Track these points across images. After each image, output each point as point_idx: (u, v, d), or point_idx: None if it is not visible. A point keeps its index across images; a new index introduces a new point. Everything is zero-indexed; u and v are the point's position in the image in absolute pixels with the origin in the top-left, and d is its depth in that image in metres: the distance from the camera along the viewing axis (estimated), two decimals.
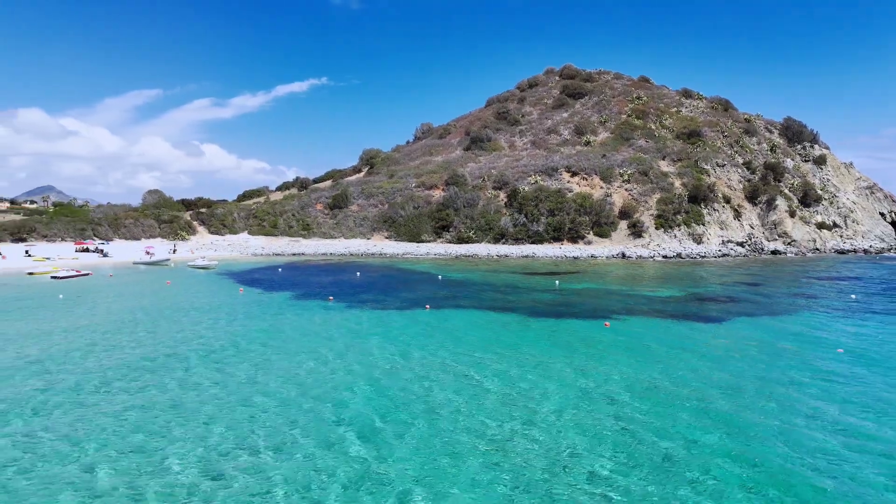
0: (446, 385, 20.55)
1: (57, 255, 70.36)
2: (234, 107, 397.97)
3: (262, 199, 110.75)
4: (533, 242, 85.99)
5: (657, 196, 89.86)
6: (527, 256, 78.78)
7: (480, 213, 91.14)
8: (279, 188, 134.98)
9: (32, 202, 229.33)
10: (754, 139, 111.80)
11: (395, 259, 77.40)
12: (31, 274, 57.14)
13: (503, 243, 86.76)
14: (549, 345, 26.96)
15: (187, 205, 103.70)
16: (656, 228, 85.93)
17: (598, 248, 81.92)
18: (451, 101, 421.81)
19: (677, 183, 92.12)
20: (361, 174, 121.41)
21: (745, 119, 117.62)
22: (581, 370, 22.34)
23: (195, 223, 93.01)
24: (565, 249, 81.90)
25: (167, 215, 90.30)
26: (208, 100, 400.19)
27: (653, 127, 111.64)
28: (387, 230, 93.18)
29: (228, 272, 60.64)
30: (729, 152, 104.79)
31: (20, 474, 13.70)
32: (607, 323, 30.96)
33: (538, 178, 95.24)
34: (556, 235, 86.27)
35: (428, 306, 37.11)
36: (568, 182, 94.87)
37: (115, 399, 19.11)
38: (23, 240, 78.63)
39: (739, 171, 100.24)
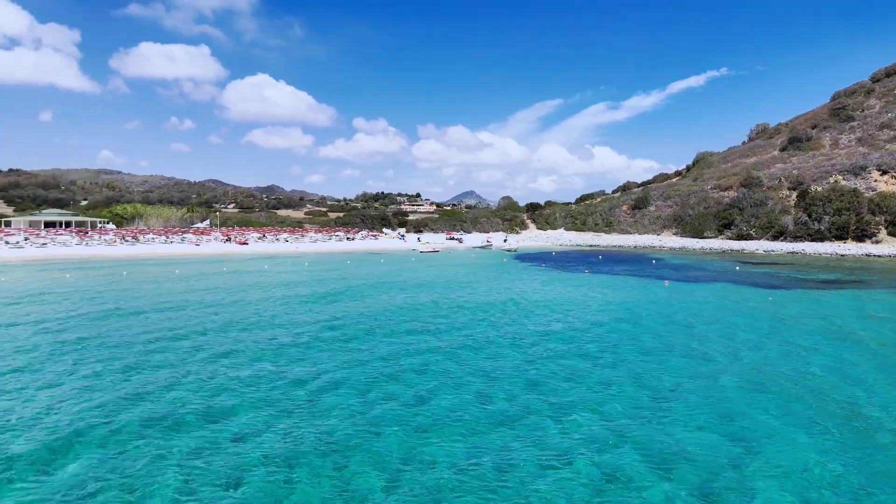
0: (555, 292, 42.26)
1: (434, 241, 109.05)
2: (627, 108, 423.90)
3: (589, 202, 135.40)
4: (813, 240, 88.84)
5: None
6: (793, 252, 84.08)
7: (766, 212, 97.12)
8: (614, 191, 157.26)
9: (453, 205, 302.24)
10: None
11: (659, 251, 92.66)
12: (413, 250, 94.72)
13: (781, 241, 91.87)
14: (631, 287, 44.82)
15: (529, 207, 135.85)
16: None
17: (881, 248, 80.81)
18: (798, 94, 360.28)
19: None
20: (679, 177, 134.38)
21: None
22: (642, 296, 40.80)
23: (528, 221, 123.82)
24: (839, 247, 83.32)
25: (509, 215, 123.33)
26: (604, 104, 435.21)
27: None
28: (675, 227, 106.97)
29: (521, 253, 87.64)
30: None
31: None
32: (666, 282, 46.21)
33: (840, 177, 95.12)
34: (839, 234, 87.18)
35: (587, 271, 56.69)
36: (875, 181, 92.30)
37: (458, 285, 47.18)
38: (420, 231, 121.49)
39: None
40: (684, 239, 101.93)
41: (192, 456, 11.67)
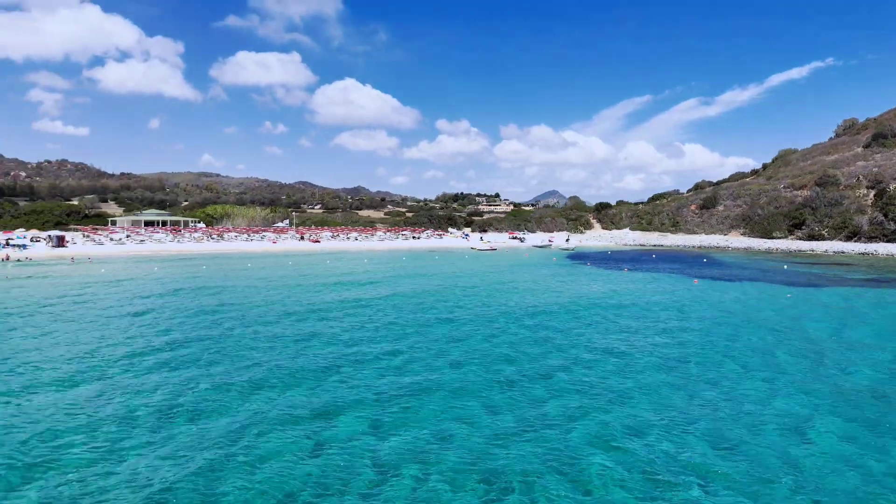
0: (575, 283, 45.22)
1: (496, 240, 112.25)
2: (721, 104, 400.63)
3: (658, 202, 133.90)
4: (888, 241, 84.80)
5: None
6: (864, 253, 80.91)
7: (839, 212, 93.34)
8: (688, 190, 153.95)
9: (533, 205, 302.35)
10: None
11: (722, 251, 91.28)
12: (472, 248, 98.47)
13: (854, 241, 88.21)
14: (653, 284, 46.73)
15: (598, 207, 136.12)
16: None
17: None
18: None
19: None
20: (754, 176, 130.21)
21: None
22: (650, 289, 43.10)
23: (594, 220, 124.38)
24: None
25: (574, 215, 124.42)
26: (696, 100, 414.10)
27: None
28: (743, 227, 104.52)
29: (577, 252, 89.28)
30: None
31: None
32: (696, 280, 47.39)
33: None
34: None
35: (626, 269, 58.30)
36: None
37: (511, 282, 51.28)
38: (484, 230, 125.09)
39: None
40: (751, 239, 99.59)
41: (188, 380, 16.19)
